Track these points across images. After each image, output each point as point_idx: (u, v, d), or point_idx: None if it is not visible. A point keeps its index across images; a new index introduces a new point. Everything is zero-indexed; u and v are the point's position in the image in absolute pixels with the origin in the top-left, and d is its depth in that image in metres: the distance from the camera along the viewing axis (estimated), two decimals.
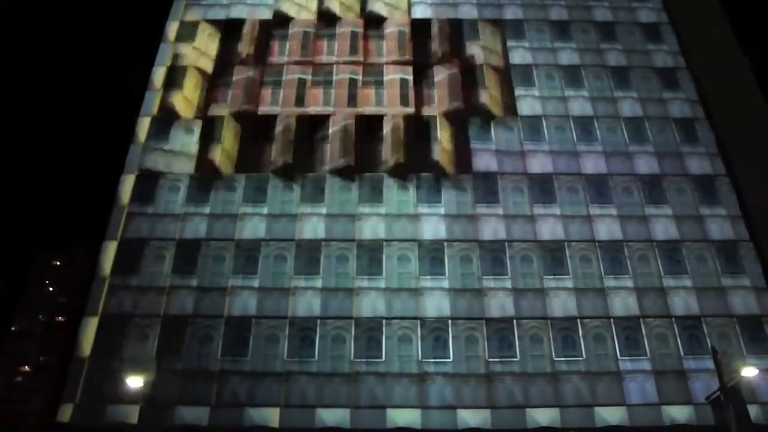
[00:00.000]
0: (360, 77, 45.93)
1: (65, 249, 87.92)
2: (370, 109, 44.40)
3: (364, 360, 34.97)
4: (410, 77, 45.85)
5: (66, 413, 33.36)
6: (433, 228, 39.48)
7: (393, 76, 46.02)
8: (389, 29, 48.67)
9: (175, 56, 46.91)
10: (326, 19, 49.34)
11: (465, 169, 41.93)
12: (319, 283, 37.42)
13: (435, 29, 48.62)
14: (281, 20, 49.32)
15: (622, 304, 37.13)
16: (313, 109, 44.43)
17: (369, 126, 43.51)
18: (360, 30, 48.59)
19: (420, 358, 35.05)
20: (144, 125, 43.64)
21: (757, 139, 43.26)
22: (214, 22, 49.21)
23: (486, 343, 35.56)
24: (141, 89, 45.70)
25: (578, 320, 36.47)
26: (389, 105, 44.56)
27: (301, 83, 45.64)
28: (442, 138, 42.85)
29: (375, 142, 42.86)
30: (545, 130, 43.82)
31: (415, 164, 41.77)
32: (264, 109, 44.45)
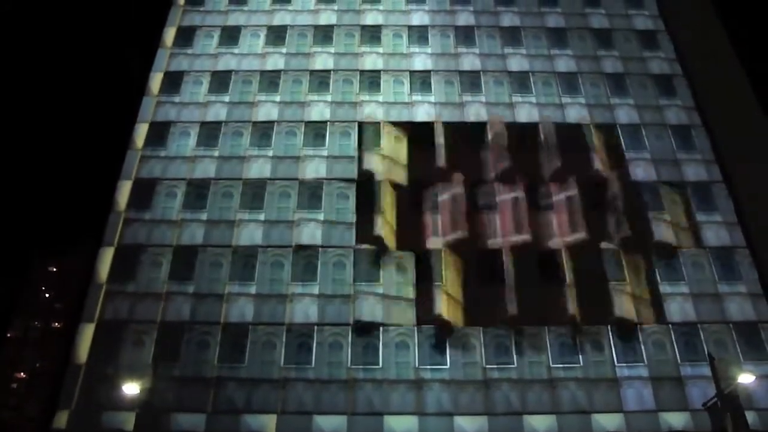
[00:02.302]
0: None
1: (62, 255, 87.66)
2: None
3: (361, 367, 34.92)
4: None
5: (62, 420, 33.23)
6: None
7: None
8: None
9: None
10: None
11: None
12: (315, 290, 37.38)
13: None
14: None
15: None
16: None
17: None
18: None
19: (417, 365, 35.01)
20: (141, 131, 43.66)
21: (753, 145, 43.39)
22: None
23: (483, 350, 35.54)
24: (138, 95, 45.80)
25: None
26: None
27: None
28: None
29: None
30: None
31: None
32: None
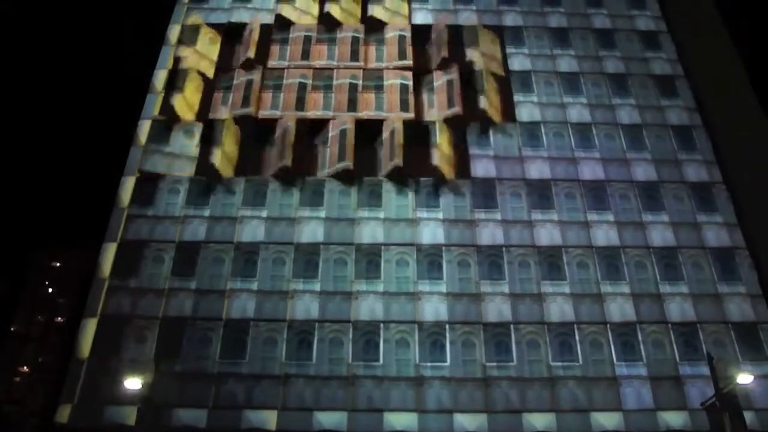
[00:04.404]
0: (360, 82, 46.10)
1: (65, 250, 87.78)
2: (369, 114, 44.58)
3: (362, 363, 35.12)
4: (410, 82, 46.00)
5: (64, 414, 33.48)
6: (431, 233, 39.66)
7: (393, 81, 46.17)
8: (389, 34, 48.87)
9: (177, 59, 47.00)
10: (327, 23, 49.46)
11: (464, 174, 42.11)
12: (317, 287, 37.57)
13: (434, 35, 48.69)
14: (282, 24, 49.47)
15: (619, 309, 37.32)
16: (312, 113, 44.61)
17: (368, 131, 43.60)
18: (361, 35, 48.75)
19: (417, 362, 35.19)
20: (145, 128, 43.78)
21: (754, 146, 43.50)
22: (215, 26, 49.42)
23: (483, 348, 35.71)
24: (142, 92, 45.96)
25: (575, 325, 36.65)
26: (389, 110, 44.75)
27: (302, 87, 45.83)
28: (441, 143, 43.01)
29: (374, 147, 43.04)
30: (544, 136, 44.04)
31: (415, 169, 41.86)
32: (264, 113, 44.64)
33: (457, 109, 44.36)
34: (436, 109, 44.87)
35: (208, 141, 42.99)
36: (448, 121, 44.06)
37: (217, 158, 41.91)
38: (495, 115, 44.71)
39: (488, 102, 44.97)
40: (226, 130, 43.20)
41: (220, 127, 43.33)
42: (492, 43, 48.51)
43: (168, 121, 43.94)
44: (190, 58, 47.14)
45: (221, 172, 41.58)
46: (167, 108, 44.43)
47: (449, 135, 43.61)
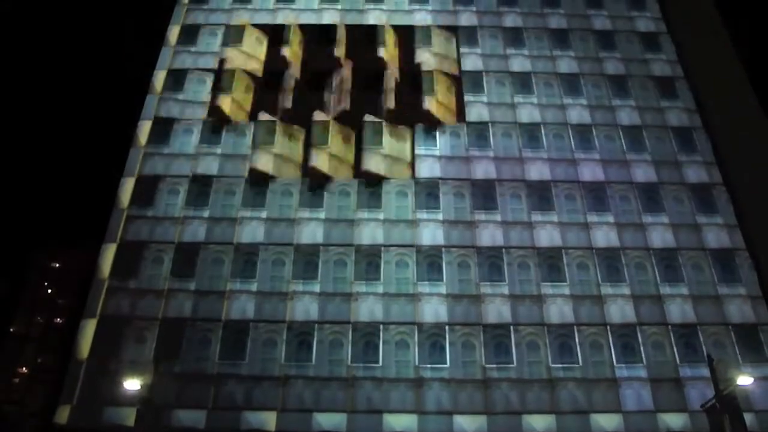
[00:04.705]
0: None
1: (65, 250, 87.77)
2: None
3: (362, 365, 35.10)
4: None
5: (63, 415, 33.46)
6: (431, 234, 39.65)
7: None
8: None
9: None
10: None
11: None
12: (317, 288, 37.56)
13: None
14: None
15: (619, 311, 37.30)
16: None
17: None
18: None
19: (417, 364, 35.17)
20: (144, 128, 43.81)
21: (754, 148, 43.48)
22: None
23: (483, 349, 35.69)
24: (142, 92, 45.97)
25: (575, 327, 36.62)
26: None
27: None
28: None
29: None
30: (543, 137, 44.03)
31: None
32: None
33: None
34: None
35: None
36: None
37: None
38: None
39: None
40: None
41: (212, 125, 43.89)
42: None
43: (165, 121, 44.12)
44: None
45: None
46: (169, 109, 44.70)
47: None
